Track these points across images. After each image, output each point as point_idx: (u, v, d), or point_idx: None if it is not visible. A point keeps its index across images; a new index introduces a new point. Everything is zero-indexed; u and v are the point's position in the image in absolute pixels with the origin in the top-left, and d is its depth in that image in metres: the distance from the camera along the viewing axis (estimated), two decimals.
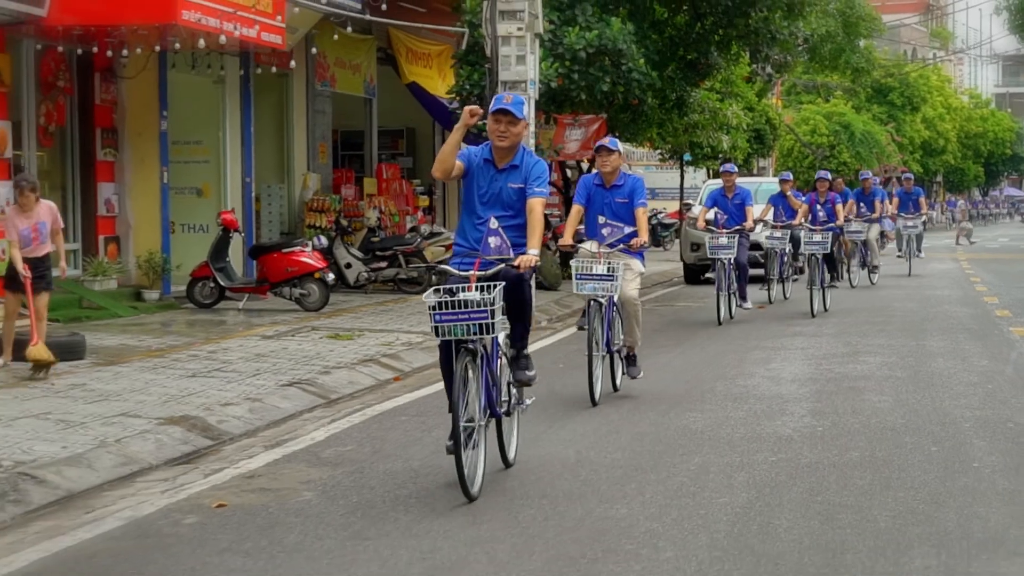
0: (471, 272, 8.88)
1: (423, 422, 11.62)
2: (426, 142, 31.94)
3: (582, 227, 13.85)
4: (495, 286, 8.68)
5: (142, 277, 21.24)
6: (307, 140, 26.18)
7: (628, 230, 12.97)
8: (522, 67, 20.35)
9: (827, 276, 22.05)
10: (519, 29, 20.25)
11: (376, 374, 14.60)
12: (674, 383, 13.92)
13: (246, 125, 23.63)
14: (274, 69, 23.42)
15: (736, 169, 21.84)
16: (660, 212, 45.00)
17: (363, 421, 11.88)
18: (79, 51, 20.03)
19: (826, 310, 21.36)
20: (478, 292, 8.61)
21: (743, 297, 20.78)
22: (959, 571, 6.88)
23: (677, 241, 35.84)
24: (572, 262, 12.97)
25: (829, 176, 24.81)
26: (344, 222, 24.79)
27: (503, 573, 6.98)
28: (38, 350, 13.59)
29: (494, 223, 9.12)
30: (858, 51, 42.61)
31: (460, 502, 8.46)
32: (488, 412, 8.97)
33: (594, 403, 12.27)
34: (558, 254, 25.03)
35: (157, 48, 20.28)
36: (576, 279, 12.61)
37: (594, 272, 12.55)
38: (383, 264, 23.83)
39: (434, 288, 8.74)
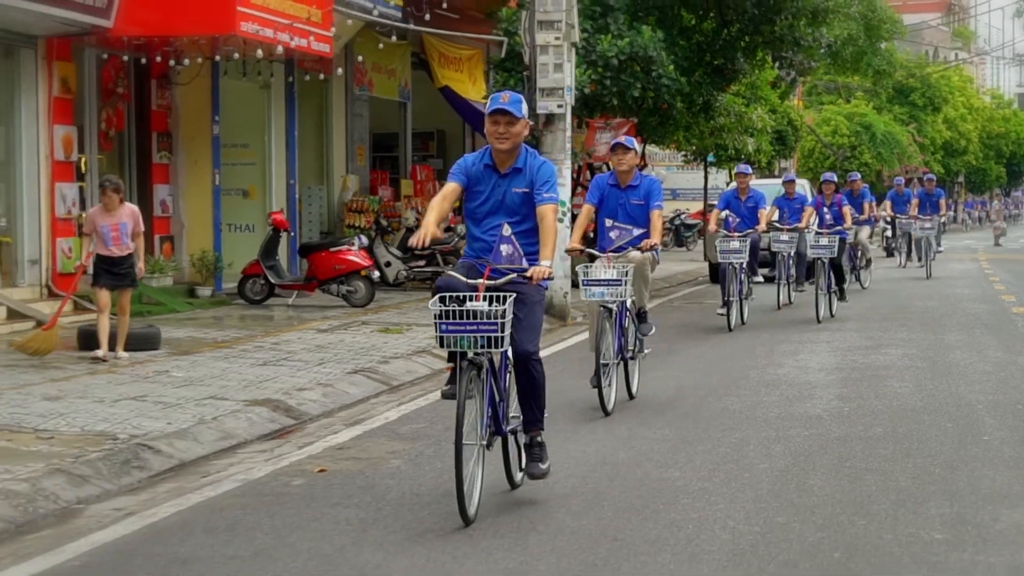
0: (480, 281, 8.46)
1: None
2: (456, 144, 33.31)
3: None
4: (506, 297, 8.28)
5: (195, 274, 22.67)
6: (346, 143, 27.62)
7: (637, 232, 12.87)
8: (559, 75, 21.68)
9: (833, 282, 21.58)
10: (556, 39, 21.57)
11: (430, 364, 15.95)
12: (709, 373, 15.29)
13: (290, 129, 25.04)
14: (321, 76, 24.84)
15: (751, 171, 21.94)
16: (683, 212, 46.31)
17: (428, 404, 13.24)
18: (140, 59, 21.45)
19: (832, 316, 21.07)
20: (486, 303, 8.22)
21: (754, 271, 20.68)
22: (968, 518, 8.28)
23: (700, 241, 37.17)
24: (578, 268, 12.65)
25: (835, 178, 24.59)
26: (384, 222, 26.20)
27: (581, 521, 8.37)
28: (37, 337, 15.16)
29: (507, 230, 8.80)
30: (880, 54, 43.81)
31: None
32: (491, 431, 8.60)
33: (606, 413, 12.09)
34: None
35: (217, 57, 21.60)
36: (583, 284, 12.31)
37: (602, 277, 12.27)
38: (421, 262, 25.21)
39: (440, 296, 8.36)
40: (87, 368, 14.61)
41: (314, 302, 22.23)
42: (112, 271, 15.51)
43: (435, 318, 8.20)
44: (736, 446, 10.71)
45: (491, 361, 8.48)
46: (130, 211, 15.78)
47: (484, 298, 8.25)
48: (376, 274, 22.54)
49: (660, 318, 21.21)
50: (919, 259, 32.41)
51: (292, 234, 24.01)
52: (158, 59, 21.06)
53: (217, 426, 11.60)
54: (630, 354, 12.93)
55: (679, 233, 44.77)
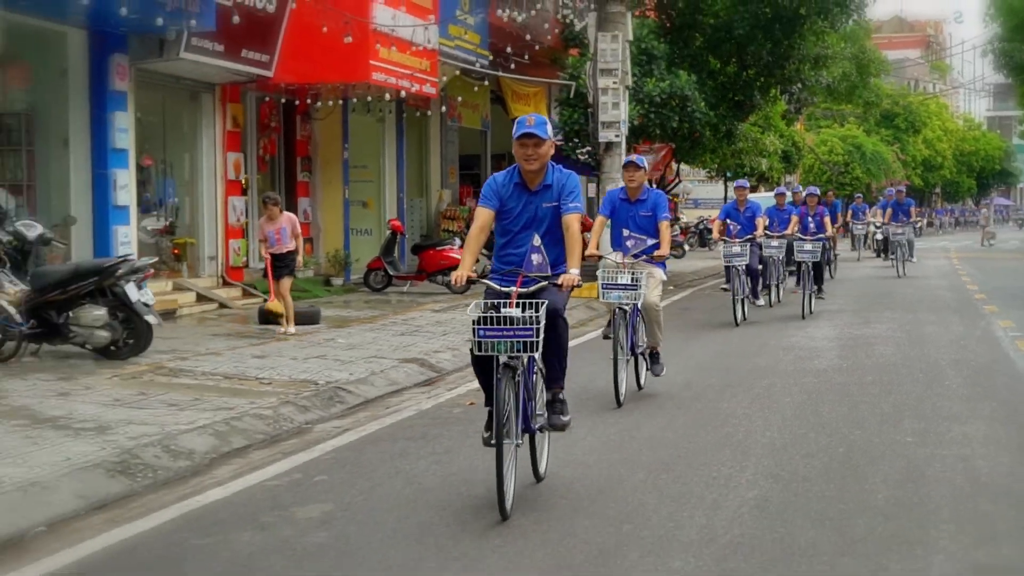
0: (512, 289, 7.96)
1: (593, 360, 14.18)
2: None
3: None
4: (540, 304, 7.77)
5: (329, 268, 24.81)
6: (440, 164, 29.71)
7: (651, 242, 12.53)
8: (616, 111, 23.72)
9: (814, 285, 21.30)
10: (614, 83, 23.61)
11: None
12: (739, 342, 17.29)
13: (400, 153, 27.15)
14: (418, 113, 26.91)
15: (748, 185, 21.64)
16: (705, 219, 48.17)
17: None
18: (287, 100, 23.59)
19: (811, 312, 20.57)
20: (519, 309, 7.71)
21: (755, 295, 20.50)
22: (930, 430, 10.37)
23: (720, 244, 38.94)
24: (598, 272, 12.46)
25: (818, 192, 24.43)
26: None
27: (658, 437, 10.47)
28: (272, 306, 17.31)
29: (536, 240, 8.29)
30: (869, 87, 45.56)
31: (628, 407, 11.90)
32: (523, 428, 8.04)
33: (619, 404, 11.69)
34: None
35: (353, 99, 23.67)
36: (602, 288, 12.04)
37: (619, 282, 11.96)
38: None
39: (476, 302, 7.92)
40: (272, 336, 16.77)
41: (422, 290, 24.33)
42: (276, 264, 17.59)
43: (473, 323, 7.72)
44: (766, 388, 12.78)
45: (521, 363, 7.90)
46: (287, 218, 17.68)
47: (517, 305, 7.75)
48: None
49: (696, 303, 23.37)
50: (894, 260, 31.91)
51: (405, 236, 26.12)
52: (308, 101, 23.17)
53: (384, 376, 13.68)
54: (640, 350, 12.45)
55: (703, 236, 46.64)
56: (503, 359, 7.72)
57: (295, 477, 8.99)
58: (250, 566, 6.75)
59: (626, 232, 12.61)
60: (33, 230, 14.32)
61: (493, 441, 7.70)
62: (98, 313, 13.81)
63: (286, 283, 17.57)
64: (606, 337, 12.39)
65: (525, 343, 7.68)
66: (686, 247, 41.18)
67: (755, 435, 10.20)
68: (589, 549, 6.94)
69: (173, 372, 13.34)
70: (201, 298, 20.22)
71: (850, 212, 35.95)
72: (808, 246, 21.28)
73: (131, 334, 14.11)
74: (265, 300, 18.30)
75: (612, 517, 7.61)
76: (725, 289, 20.18)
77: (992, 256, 44.24)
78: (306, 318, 18.03)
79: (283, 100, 23.49)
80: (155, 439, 9.67)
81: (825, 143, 61.71)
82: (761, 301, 21.01)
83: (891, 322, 19.62)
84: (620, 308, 11.96)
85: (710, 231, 47.26)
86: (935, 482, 8.47)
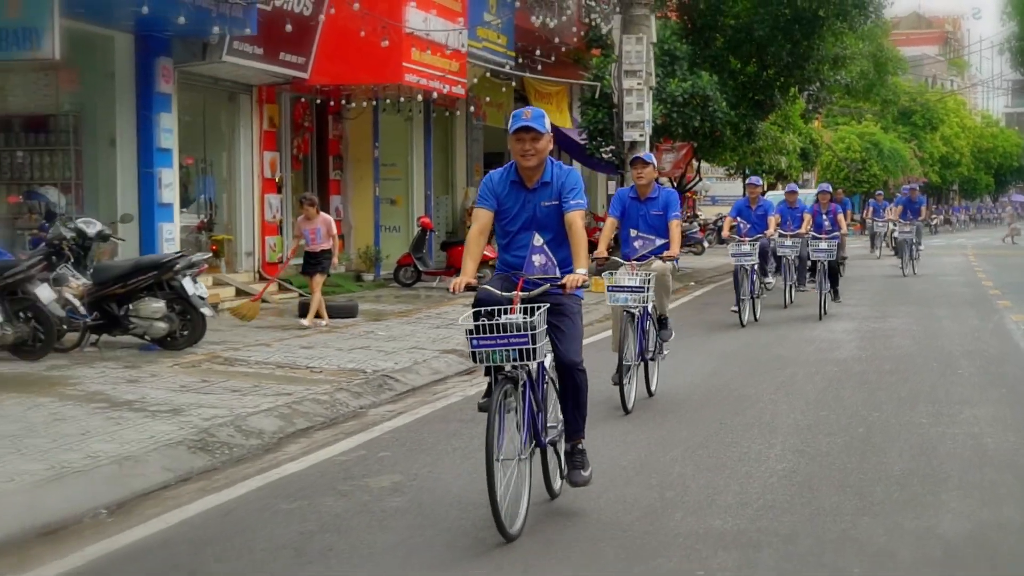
0: (514, 293, 7.50)
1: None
2: None
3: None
4: (538, 308, 7.32)
5: (360, 264, 25.78)
6: (466, 162, 30.65)
7: (659, 242, 12.23)
8: (641, 111, 24.66)
9: (828, 284, 20.79)
10: (639, 84, 24.56)
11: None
12: (760, 335, 18.22)
13: (427, 152, 28.07)
14: (456, 113, 27.89)
15: (761, 182, 21.45)
16: (723, 216, 48.92)
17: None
18: (319, 100, 24.55)
19: (827, 313, 20.25)
20: (521, 314, 7.23)
21: (764, 273, 20.31)
22: (943, 412, 11.34)
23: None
24: (604, 275, 12.20)
25: (830, 189, 23.76)
26: None
27: (689, 418, 11.42)
28: (245, 306, 17.85)
29: (538, 240, 7.82)
30: (887, 86, 46.37)
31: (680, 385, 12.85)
32: (533, 443, 7.65)
33: (626, 411, 11.35)
34: None
35: (387, 100, 24.57)
36: (608, 291, 11.69)
37: (626, 284, 11.65)
38: None
39: (473, 310, 7.54)
40: (319, 329, 17.74)
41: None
42: (310, 261, 18.48)
43: (467, 334, 7.35)
44: (789, 376, 13.74)
45: (528, 373, 7.48)
46: (323, 219, 18.42)
47: (520, 310, 7.31)
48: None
49: (717, 298, 24.24)
50: (905, 260, 31.26)
51: (434, 233, 27.09)
52: (342, 102, 24.15)
53: (427, 365, 14.61)
54: (650, 355, 12.22)
55: (721, 233, 47.44)
56: (506, 368, 7.28)
57: (360, 453, 9.96)
58: (339, 525, 7.71)
59: (634, 232, 12.30)
60: (93, 227, 15.27)
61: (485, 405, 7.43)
62: (157, 305, 14.80)
63: (318, 279, 18.32)
64: (615, 384, 11.59)
65: (522, 351, 7.17)
66: (705, 244, 42.04)
67: (781, 417, 11.16)
68: (637, 511, 7.89)
69: (229, 361, 14.33)
70: (240, 292, 21.16)
71: (870, 209, 36.27)
72: (823, 244, 20.81)
73: (186, 325, 15.10)
74: (301, 295, 19.24)
75: (655, 485, 8.58)
76: (734, 311, 19.30)
77: (1008, 253, 45.03)
78: (345, 311, 19.00)
79: (317, 101, 24.40)
80: (227, 420, 10.65)
81: (843, 140, 62.35)
82: (771, 280, 20.97)
83: (908, 316, 20.54)
84: (627, 312, 11.58)
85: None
86: (946, 456, 9.42)
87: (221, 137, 22.61)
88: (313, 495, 8.51)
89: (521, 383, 7.40)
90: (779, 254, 21.86)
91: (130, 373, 13.22)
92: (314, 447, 10.30)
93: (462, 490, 8.53)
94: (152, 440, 9.77)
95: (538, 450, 7.80)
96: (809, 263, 21.96)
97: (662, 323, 12.53)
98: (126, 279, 14.83)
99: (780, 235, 21.41)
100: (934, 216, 73.88)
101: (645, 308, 11.82)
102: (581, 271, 7.60)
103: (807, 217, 22.15)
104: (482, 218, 7.94)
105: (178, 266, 14.98)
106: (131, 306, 14.85)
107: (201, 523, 7.89)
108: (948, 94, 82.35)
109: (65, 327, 14.48)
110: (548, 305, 7.46)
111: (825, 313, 20.18)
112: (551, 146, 7.92)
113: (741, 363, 15.01)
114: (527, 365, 7.35)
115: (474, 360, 7.36)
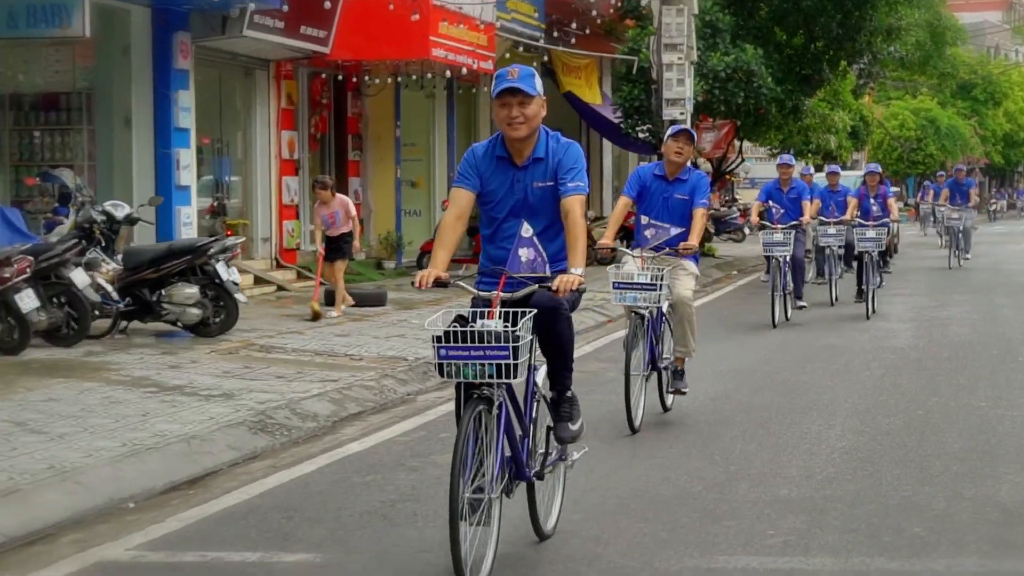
0: (494, 293, 6.81)
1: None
2: (572, 139, 37.41)
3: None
4: (522, 314, 6.57)
5: (381, 250, 27.00)
6: None
7: (675, 231, 11.41)
8: (681, 88, 25.86)
9: (879, 279, 20.62)
10: (679, 58, 25.76)
11: (591, 318, 20.17)
12: (812, 322, 19.42)
13: (450, 130, 29.26)
14: (482, 89, 29.05)
15: (794, 161, 20.88)
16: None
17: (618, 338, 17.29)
18: (338, 76, 25.74)
19: (874, 312, 19.88)
20: (500, 320, 6.51)
21: (798, 296, 19.63)
22: (1002, 396, 12.61)
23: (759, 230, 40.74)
24: (609, 268, 11.44)
25: (879, 169, 22.69)
26: None
27: (747, 403, 12.67)
28: (314, 305, 18.83)
29: (527, 230, 7.13)
30: (944, 58, 47.18)
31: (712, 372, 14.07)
32: (511, 476, 6.96)
33: (633, 430, 10.80)
34: None
35: (412, 76, 25.69)
36: (615, 288, 10.94)
37: (636, 280, 10.87)
38: None
39: (445, 310, 6.89)
40: (351, 317, 18.98)
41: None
42: (330, 247, 19.57)
43: (434, 342, 6.55)
44: (844, 365, 15.01)
45: (510, 392, 6.82)
46: (340, 201, 19.42)
47: (500, 315, 6.60)
48: None
49: (760, 288, 25.34)
50: (950, 249, 31.31)
51: None
52: (361, 77, 25.34)
53: None
54: (663, 364, 11.50)
55: (761, 218, 48.46)
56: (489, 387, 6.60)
57: (420, 435, 11.22)
58: (418, 495, 8.96)
59: (645, 219, 11.55)
60: (121, 210, 16.54)
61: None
62: (190, 291, 16.07)
63: (340, 266, 19.37)
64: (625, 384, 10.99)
65: (499, 366, 6.46)
66: (746, 230, 43.14)
67: (839, 401, 12.43)
68: (706, 483, 9.14)
69: (265, 349, 15.61)
70: (259, 280, 22.40)
71: (931, 192, 36.35)
72: (871, 233, 20.15)
73: (219, 311, 16.37)
74: (323, 284, 20.44)
75: (720, 460, 9.85)
76: (765, 281, 19.90)
77: None
78: (374, 299, 20.24)
79: (338, 77, 25.56)
80: (281, 404, 11.92)
81: (895, 117, 63.05)
82: (804, 303, 19.96)
83: (965, 304, 21.83)
84: (637, 313, 10.92)
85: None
86: (1004, 435, 10.67)
87: (236, 115, 23.80)
88: (384, 470, 9.77)
89: (497, 404, 6.66)
90: (821, 244, 21.69)
91: (169, 359, 14.49)
92: (372, 429, 11.57)
93: None
94: (213, 421, 11.04)
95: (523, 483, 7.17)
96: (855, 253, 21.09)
97: (677, 375, 11.70)
98: (159, 264, 16.08)
99: (821, 222, 21.16)
100: (993, 201, 74.94)
101: (659, 309, 11.20)
102: (576, 270, 6.82)
103: (852, 201, 21.39)
104: (461, 200, 7.23)
105: (212, 250, 16.23)
106: (164, 291, 16.08)
107: (283, 494, 9.15)
108: (1012, 66, 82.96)
109: (97, 312, 15.71)
110: (536, 312, 6.72)
111: (874, 311, 19.81)
112: (544, 112, 7.17)
113: (793, 352, 16.24)
114: (506, 383, 6.63)
115: (440, 374, 6.66)
